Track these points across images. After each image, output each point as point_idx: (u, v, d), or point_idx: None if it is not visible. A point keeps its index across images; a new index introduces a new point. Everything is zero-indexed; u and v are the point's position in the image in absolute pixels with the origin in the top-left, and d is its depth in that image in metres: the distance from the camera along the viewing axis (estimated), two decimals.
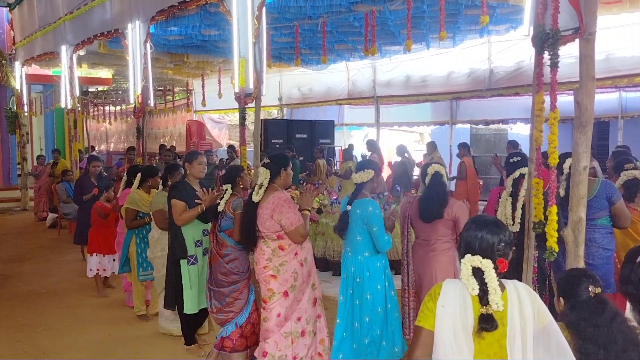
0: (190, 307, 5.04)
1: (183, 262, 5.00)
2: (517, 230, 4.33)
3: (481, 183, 11.66)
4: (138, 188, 6.09)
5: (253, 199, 4.26)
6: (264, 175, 4.26)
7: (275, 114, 18.33)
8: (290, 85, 16.45)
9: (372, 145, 11.85)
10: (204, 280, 4.90)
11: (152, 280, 6.03)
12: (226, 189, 4.71)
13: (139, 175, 6.11)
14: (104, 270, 7.17)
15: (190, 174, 5.12)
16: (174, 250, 5.04)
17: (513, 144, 9.77)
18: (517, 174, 4.59)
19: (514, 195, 4.54)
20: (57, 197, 11.30)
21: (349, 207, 4.46)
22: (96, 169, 8.76)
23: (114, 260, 7.11)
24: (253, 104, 6.61)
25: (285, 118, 16.69)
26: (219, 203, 4.69)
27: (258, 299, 4.65)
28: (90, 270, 7.12)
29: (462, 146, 10.63)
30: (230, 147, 13.97)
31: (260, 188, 4.27)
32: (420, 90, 13.05)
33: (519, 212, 4.42)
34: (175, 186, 5.09)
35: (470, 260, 2.30)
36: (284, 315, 4.27)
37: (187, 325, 5.24)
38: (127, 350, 5.38)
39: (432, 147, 11.19)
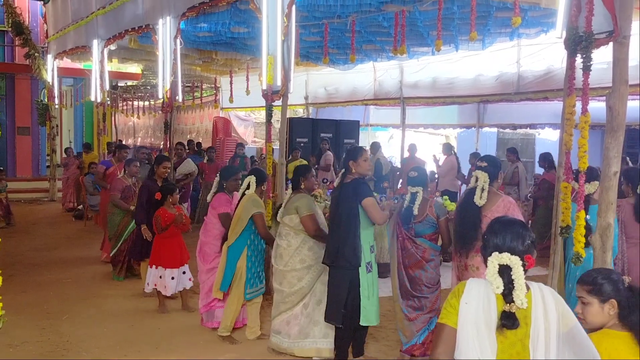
0: (370, 318, 4.65)
1: (362, 270, 4.60)
2: None
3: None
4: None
5: (476, 203, 4.10)
6: (482, 178, 4.12)
7: (300, 112, 18.35)
8: (316, 85, 16.45)
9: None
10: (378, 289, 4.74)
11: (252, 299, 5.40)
12: (417, 192, 4.63)
13: (253, 178, 5.39)
14: (165, 287, 6.17)
15: (355, 172, 4.65)
16: (346, 258, 4.54)
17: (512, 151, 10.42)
18: None
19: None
20: (84, 189, 11.50)
21: None
22: (166, 171, 7.03)
23: (184, 273, 6.31)
24: (280, 102, 6.64)
25: (310, 117, 16.71)
26: (411, 206, 4.61)
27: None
28: (148, 284, 6.29)
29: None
30: (180, 143, 12.39)
31: (482, 192, 4.10)
32: (447, 93, 12.89)
33: None
34: (362, 183, 4.65)
35: (498, 258, 2.30)
36: None
37: (347, 339, 4.79)
38: (148, 341, 5.45)
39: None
